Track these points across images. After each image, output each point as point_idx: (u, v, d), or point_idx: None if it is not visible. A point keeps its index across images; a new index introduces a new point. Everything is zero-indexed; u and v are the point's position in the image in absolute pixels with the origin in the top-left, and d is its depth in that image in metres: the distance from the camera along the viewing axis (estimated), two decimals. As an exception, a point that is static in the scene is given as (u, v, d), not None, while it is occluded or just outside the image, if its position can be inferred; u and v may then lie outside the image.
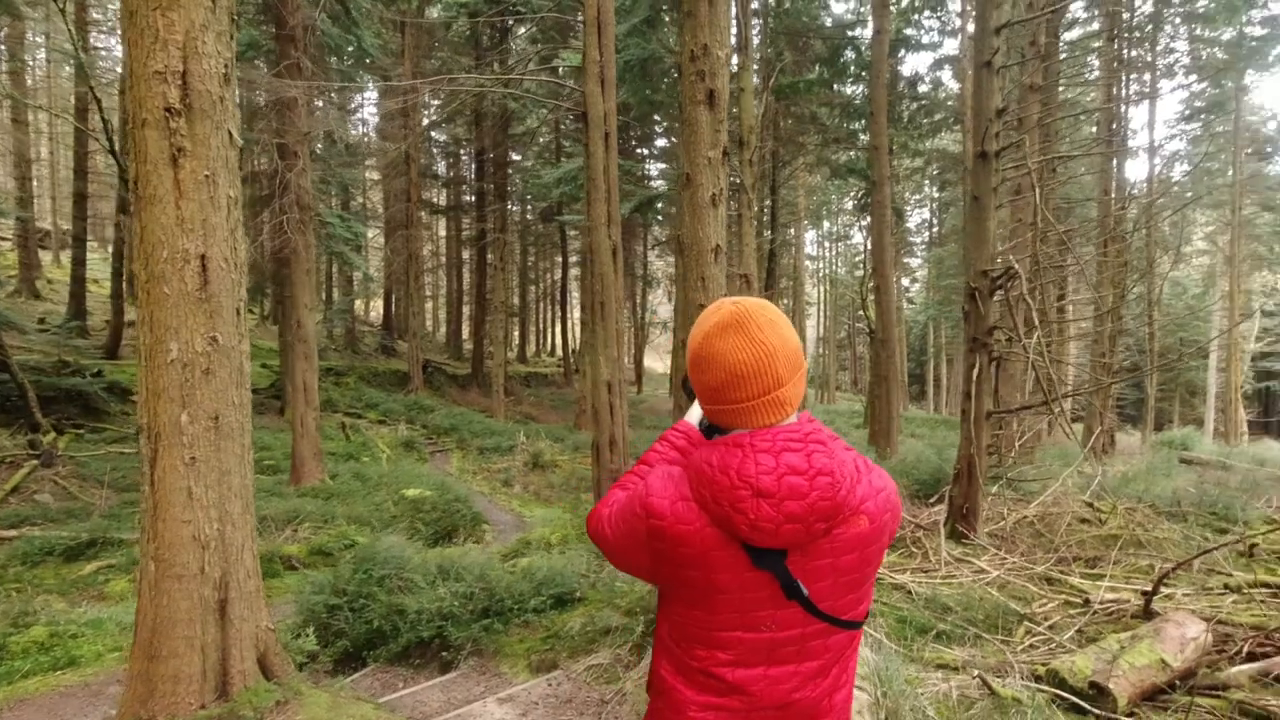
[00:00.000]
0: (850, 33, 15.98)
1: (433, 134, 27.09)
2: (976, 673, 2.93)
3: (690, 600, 1.17)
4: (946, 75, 18.79)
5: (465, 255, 32.46)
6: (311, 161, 12.27)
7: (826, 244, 40.77)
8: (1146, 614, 3.81)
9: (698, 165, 4.13)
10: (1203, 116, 17.85)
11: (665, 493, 1.16)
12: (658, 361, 41.33)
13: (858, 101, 16.93)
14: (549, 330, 41.00)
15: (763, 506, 1.07)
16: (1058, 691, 2.95)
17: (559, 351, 35.28)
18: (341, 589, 5.08)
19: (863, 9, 17.15)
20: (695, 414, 1.46)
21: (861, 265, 32.83)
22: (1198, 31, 16.03)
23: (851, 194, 31.03)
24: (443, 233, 36.28)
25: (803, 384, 1.19)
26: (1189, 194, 18.90)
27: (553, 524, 9.08)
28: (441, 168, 30.14)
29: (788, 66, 15.40)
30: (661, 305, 34.73)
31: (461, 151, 28.37)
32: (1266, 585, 4.37)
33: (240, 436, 3.11)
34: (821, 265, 41.12)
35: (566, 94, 14.39)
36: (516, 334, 33.93)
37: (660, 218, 22.12)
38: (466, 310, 36.25)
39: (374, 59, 16.29)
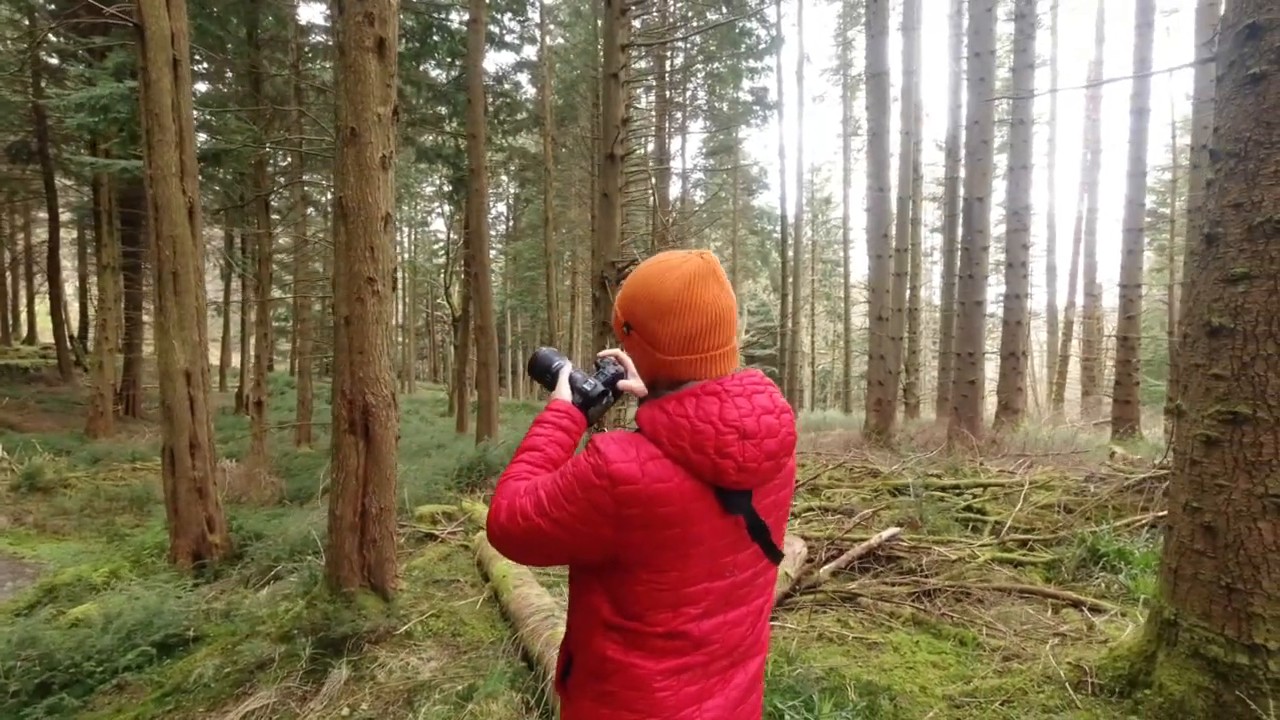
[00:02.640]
0: (439, 15, 15.81)
1: None
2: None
3: (661, 564, 1.12)
4: (525, 79, 20.10)
5: None
6: None
7: (406, 229, 39.57)
8: (755, 541, 4.89)
9: (365, 121, 3.67)
10: (716, 156, 23.32)
11: (628, 457, 1.09)
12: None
13: (444, 85, 16.87)
14: (23, 310, 30.21)
15: (748, 447, 1.10)
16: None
17: (46, 338, 26.49)
18: None
19: (452, -6, 17.12)
20: (564, 392, 1.40)
21: (442, 253, 32.90)
22: (715, 89, 20.76)
23: (431, 180, 30.75)
24: None
25: None
26: (705, 215, 24.45)
27: (91, 559, 6.94)
28: None
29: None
30: (208, 280, 28.95)
31: None
32: (817, 508, 6.06)
33: None
34: (398, 251, 39.73)
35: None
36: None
37: (202, 179, 18.47)
38: None
39: None
